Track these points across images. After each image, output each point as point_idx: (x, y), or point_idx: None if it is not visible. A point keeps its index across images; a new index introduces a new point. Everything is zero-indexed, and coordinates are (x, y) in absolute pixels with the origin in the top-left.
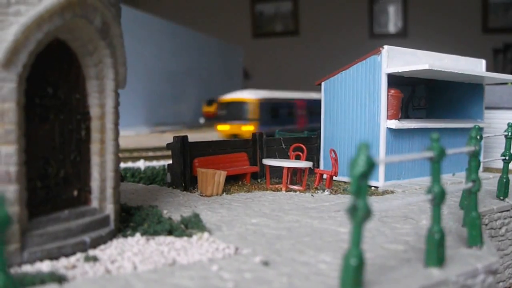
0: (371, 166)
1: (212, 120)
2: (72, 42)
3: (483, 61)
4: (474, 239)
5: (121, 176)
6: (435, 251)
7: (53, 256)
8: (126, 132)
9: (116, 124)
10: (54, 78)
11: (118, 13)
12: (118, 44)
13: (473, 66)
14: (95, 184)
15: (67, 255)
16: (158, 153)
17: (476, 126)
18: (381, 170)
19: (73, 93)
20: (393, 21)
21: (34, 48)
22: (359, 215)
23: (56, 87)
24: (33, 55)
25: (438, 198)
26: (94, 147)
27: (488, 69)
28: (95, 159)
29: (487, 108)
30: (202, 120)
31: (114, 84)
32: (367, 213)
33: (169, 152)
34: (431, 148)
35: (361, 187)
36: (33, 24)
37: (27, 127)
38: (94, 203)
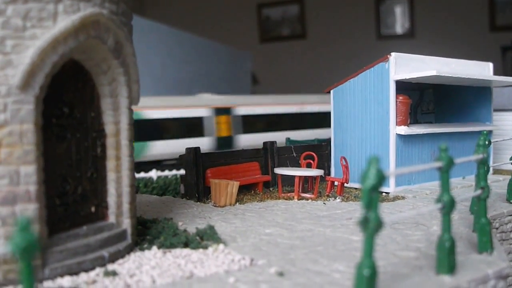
0: (381, 179)
1: None
2: (86, 62)
3: (491, 64)
4: (484, 245)
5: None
6: (446, 259)
7: (73, 271)
8: None
9: (131, 140)
10: (69, 98)
11: (130, 32)
12: (131, 62)
13: (481, 70)
14: (111, 199)
15: (87, 270)
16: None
17: (484, 132)
18: (391, 176)
19: (89, 112)
20: (400, 22)
21: (50, 70)
22: (371, 226)
23: (72, 106)
24: (49, 76)
25: (448, 207)
26: (110, 163)
27: (497, 68)
28: (111, 175)
29: (496, 110)
30: None
31: (128, 102)
32: (379, 225)
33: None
34: (439, 158)
35: (372, 199)
36: (49, 46)
37: (45, 147)
38: (111, 218)
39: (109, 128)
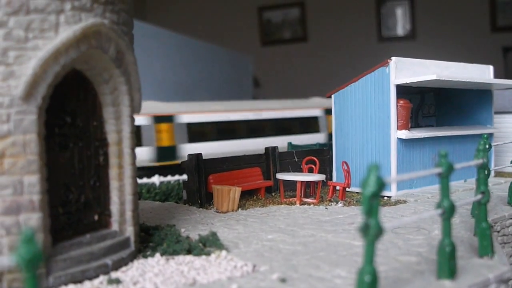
0: (381, 186)
1: None
2: (88, 71)
3: (491, 67)
4: (485, 249)
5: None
6: (447, 264)
7: (77, 279)
8: None
9: (133, 149)
10: (72, 107)
11: (131, 41)
12: (132, 71)
13: (481, 73)
14: (114, 207)
15: (90, 278)
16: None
17: (485, 136)
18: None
19: (91, 121)
20: (401, 24)
21: (52, 80)
22: (372, 233)
23: (74, 115)
24: (51, 87)
25: (448, 212)
26: (113, 172)
27: (498, 68)
28: (114, 184)
29: (497, 112)
30: None
31: (130, 110)
32: (379, 231)
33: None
34: (439, 164)
35: (372, 206)
36: (51, 57)
37: (48, 156)
38: (115, 226)
39: (111, 137)
